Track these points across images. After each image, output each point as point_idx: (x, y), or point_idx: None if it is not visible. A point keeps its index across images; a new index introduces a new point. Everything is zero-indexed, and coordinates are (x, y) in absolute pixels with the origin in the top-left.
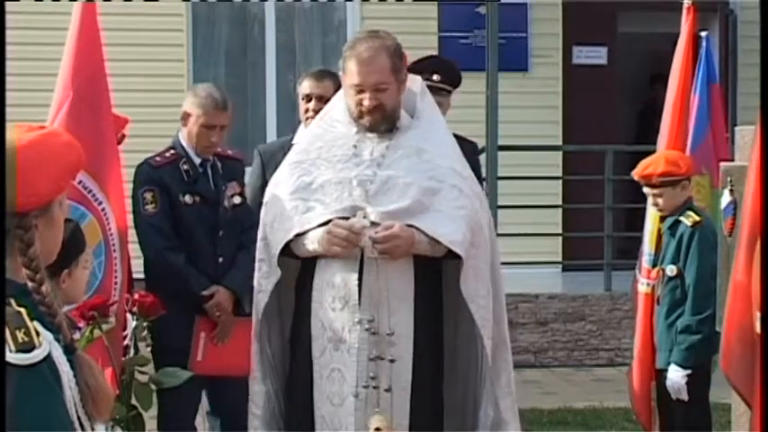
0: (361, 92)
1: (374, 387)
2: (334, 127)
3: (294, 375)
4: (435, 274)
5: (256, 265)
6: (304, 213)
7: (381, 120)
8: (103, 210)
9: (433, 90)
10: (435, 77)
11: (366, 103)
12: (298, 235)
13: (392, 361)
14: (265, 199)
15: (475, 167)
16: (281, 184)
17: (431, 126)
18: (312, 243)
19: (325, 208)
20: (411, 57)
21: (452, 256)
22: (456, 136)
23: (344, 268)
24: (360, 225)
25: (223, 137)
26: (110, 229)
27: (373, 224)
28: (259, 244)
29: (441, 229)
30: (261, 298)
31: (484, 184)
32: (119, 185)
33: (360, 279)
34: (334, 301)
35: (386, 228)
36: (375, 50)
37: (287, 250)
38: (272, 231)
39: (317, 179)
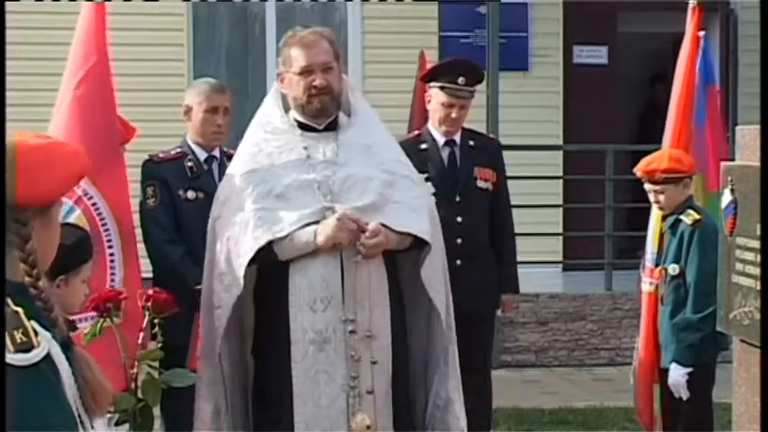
0: (309, 73)
1: (352, 387)
2: (275, 134)
3: (264, 386)
4: (395, 268)
5: (214, 281)
6: (273, 222)
7: (330, 102)
8: (95, 205)
9: (459, 93)
10: (461, 80)
11: (317, 82)
12: (271, 242)
13: (374, 362)
14: (216, 214)
15: (500, 164)
16: (234, 196)
17: (368, 121)
18: (304, 237)
19: (296, 211)
20: (411, 56)
21: (415, 247)
22: (477, 133)
23: (325, 268)
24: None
25: (228, 123)
26: (104, 225)
27: None
28: (218, 257)
29: (407, 221)
30: (221, 313)
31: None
32: (121, 184)
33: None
34: (316, 303)
35: (374, 234)
36: (317, 35)
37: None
38: (236, 243)
39: (276, 186)
